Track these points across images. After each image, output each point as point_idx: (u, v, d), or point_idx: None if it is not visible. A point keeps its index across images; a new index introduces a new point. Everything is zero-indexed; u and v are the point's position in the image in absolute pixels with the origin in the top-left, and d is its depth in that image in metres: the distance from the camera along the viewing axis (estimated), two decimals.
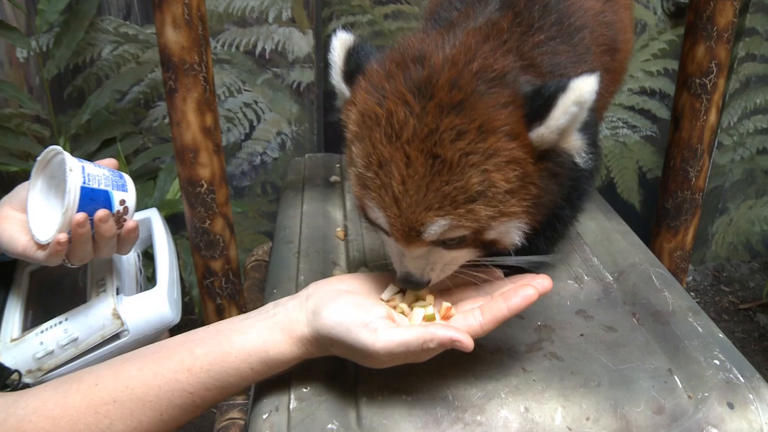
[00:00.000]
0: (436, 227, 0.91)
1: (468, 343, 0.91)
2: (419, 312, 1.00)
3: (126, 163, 2.34)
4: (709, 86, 1.54)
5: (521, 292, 0.96)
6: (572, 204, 1.17)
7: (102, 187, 1.09)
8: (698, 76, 1.56)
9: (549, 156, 0.94)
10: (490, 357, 1.09)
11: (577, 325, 1.18)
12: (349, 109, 1.00)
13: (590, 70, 0.91)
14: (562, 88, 0.87)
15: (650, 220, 3.18)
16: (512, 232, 0.97)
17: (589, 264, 1.36)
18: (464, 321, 0.96)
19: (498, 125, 0.89)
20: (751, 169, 3.28)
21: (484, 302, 0.99)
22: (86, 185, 1.06)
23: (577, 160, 0.96)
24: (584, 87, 0.87)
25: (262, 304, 1.08)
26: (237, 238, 2.87)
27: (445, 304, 1.00)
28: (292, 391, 1.02)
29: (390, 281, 1.07)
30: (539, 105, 0.89)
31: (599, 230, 1.48)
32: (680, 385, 1.05)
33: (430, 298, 1.04)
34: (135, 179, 2.28)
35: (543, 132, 0.91)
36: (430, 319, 0.99)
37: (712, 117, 1.59)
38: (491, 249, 0.99)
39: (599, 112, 1.32)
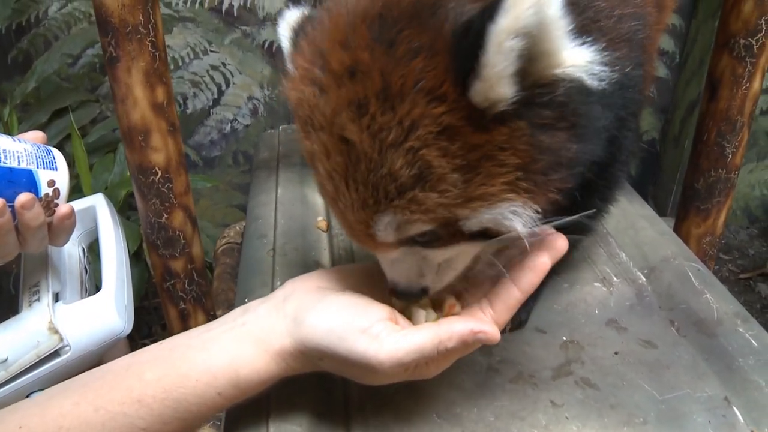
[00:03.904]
0: (382, 226, 0.73)
1: (494, 333, 0.76)
2: (420, 313, 0.83)
3: (80, 135, 2.13)
4: (755, 47, 1.33)
5: (531, 263, 0.78)
6: (601, 194, 0.97)
7: (24, 165, 0.94)
8: (743, 36, 1.34)
9: (522, 108, 0.66)
10: (510, 388, 0.92)
11: (610, 340, 1.01)
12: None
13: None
14: (489, 14, 0.60)
15: (646, 184, 3.10)
16: (509, 219, 0.71)
17: (617, 261, 1.18)
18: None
19: (408, 84, 0.65)
20: (753, 131, 3.13)
21: (490, 289, 0.82)
22: (2, 164, 0.91)
23: (588, 82, 0.66)
24: (521, 3, 0.58)
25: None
26: (209, 213, 2.76)
27: (448, 301, 0.84)
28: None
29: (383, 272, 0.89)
30: (466, 46, 0.63)
31: (622, 216, 1.31)
32: (741, 419, 0.88)
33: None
34: (92, 152, 2.16)
35: (481, 88, 0.63)
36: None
37: (756, 84, 1.38)
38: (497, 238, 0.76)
39: (650, 47, 0.98)
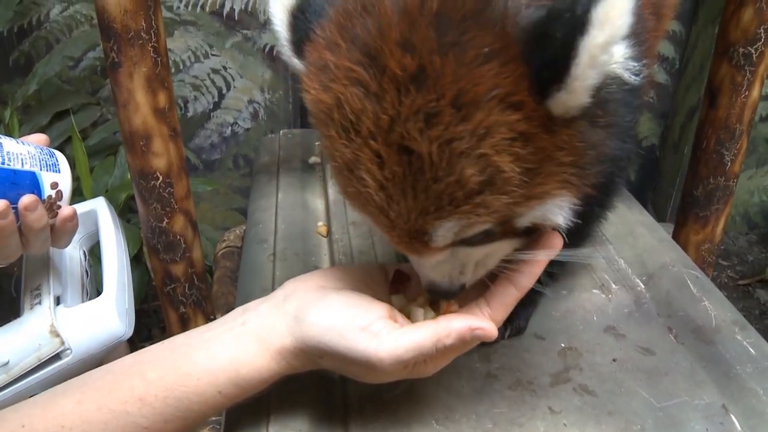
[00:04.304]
0: (443, 231, 0.70)
1: (491, 329, 0.76)
2: (419, 312, 0.84)
3: (81, 138, 2.13)
4: (754, 56, 1.34)
5: (527, 261, 0.79)
6: (601, 200, 0.97)
7: (27, 167, 0.94)
8: (742, 45, 1.35)
9: (583, 111, 0.68)
10: (509, 394, 0.92)
11: (608, 347, 1.01)
12: (303, 95, 0.76)
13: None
14: (579, 26, 0.58)
15: (645, 190, 3.10)
16: (555, 213, 0.73)
17: (615, 267, 1.18)
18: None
19: (482, 91, 0.62)
20: (752, 138, 3.13)
21: (487, 287, 0.83)
22: (6, 166, 0.91)
23: (627, 76, 0.66)
24: (615, 16, 0.57)
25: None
26: (209, 216, 2.75)
27: (444, 301, 0.84)
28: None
29: (382, 272, 0.89)
30: (548, 55, 0.61)
31: (621, 223, 1.31)
32: (739, 427, 0.88)
33: (424, 294, 0.87)
34: (93, 155, 2.16)
35: (566, 98, 0.63)
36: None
37: (755, 92, 1.38)
38: (536, 233, 0.78)
39: (648, 52, 0.97)
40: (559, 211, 0.73)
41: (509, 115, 0.63)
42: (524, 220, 0.73)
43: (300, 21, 0.76)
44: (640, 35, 0.77)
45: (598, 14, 0.57)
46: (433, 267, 0.78)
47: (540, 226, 0.75)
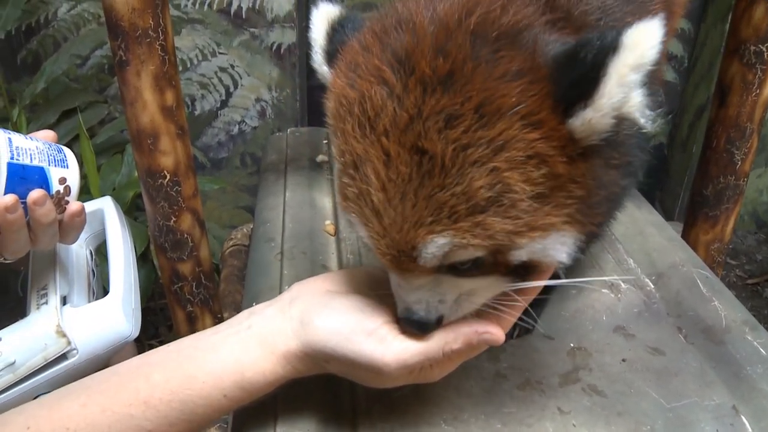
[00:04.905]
0: (434, 248, 0.68)
1: (498, 334, 0.76)
2: None
3: (89, 136, 2.13)
4: (766, 54, 1.32)
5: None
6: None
7: (36, 163, 0.95)
8: (754, 43, 1.33)
9: (601, 146, 0.69)
10: (517, 394, 0.91)
11: (618, 347, 1.01)
12: (327, 97, 0.78)
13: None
14: (610, 47, 0.61)
15: (653, 189, 3.09)
16: (555, 250, 0.72)
17: (625, 267, 1.17)
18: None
19: (507, 104, 0.64)
20: (762, 135, 3.11)
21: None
22: (15, 161, 0.91)
23: (642, 122, 0.66)
24: (646, 41, 0.61)
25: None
26: (216, 214, 2.76)
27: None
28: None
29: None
30: (577, 76, 0.64)
31: (630, 222, 1.30)
32: (749, 428, 0.88)
33: None
34: (100, 153, 2.16)
35: (591, 117, 0.64)
36: None
37: (766, 90, 1.37)
38: (529, 273, 0.75)
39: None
40: (561, 247, 0.72)
41: (528, 133, 0.65)
42: (521, 254, 0.70)
43: (338, 34, 0.80)
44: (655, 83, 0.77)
45: (630, 38, 0.60)
46: (412, 290, 0.75)
47: (537, 263, 0.73)
